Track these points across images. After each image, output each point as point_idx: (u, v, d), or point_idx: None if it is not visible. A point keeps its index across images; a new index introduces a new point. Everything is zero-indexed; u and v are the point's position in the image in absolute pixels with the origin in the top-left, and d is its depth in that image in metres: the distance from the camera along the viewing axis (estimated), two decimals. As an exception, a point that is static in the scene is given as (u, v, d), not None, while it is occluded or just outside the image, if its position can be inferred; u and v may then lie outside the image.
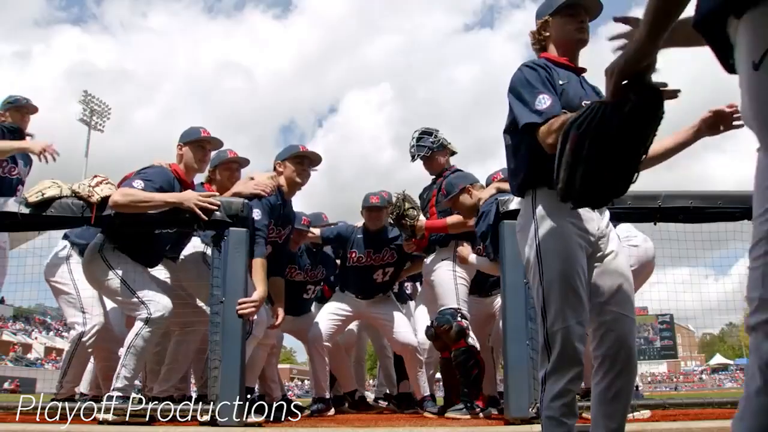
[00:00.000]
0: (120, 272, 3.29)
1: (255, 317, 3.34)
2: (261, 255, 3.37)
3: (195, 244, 3.84)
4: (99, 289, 3.53)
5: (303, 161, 3.70)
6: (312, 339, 4.31)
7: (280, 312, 3.71)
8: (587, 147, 1.19)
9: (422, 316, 4.69)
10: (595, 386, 1.93)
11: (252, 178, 3.69)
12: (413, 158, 4.27)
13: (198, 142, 3.50)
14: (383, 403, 5.09)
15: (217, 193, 3.46)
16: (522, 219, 2.03)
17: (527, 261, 1.98)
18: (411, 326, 4.43)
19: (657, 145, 1.97)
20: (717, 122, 2.11)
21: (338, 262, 4.79)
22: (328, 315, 4.37)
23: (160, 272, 3.82)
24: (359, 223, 4.67)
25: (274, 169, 3.80)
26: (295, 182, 3.70)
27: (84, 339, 3.75)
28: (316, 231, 4.57)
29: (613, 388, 1.87)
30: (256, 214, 3.41)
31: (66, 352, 3.99)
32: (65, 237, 3.97)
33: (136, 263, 3.38)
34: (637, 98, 1.15)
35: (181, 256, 3.83)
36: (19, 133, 4.21)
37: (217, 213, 3.20)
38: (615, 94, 1.18)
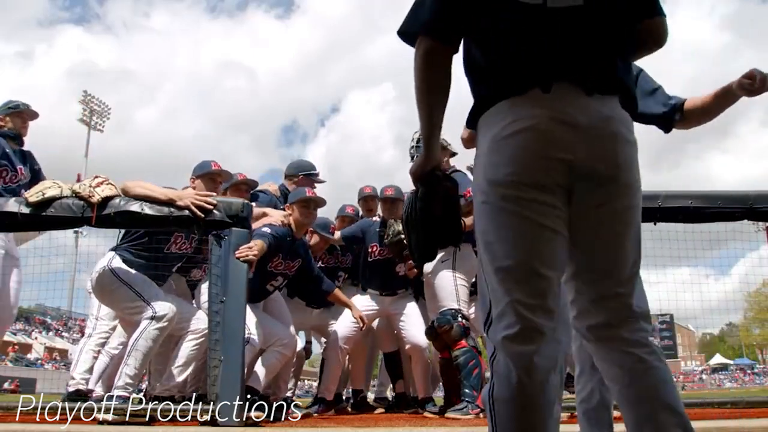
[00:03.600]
0: (124, 278, 3.39)
1: (273, 334, 3.65)
2: (261, 239, 3.54)
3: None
4: (105, 299, 3.64)
5: (309, 204, 4.09)
6: (332, 340, 4.31)
7: (358, 313, 4.21)
8: (412, 226, 1.58)
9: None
10: (578, 393, 1.94)
11: (265, 214, 4.02)
12: (413, 159, 4.27)
13: (209, 175, 3.73)
14: (380, 410, 5.05)
15: (214, 193, 3.49)
16: None
17: None
18: (422, 325, 4.41)
19: (693, 103, 2.05)
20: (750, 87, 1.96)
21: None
22: (350, 317, 4.36)
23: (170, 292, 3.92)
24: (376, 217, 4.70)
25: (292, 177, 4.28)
26: (303, 223, 4.10)
27: (90, 339, 3.99)
28: (337, 234, 4.65)
29: (594, 398, 1.87)
30: (266, 228, 3.78)
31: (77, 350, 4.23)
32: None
33: (144, 276, 3.47)
34: (425, 190, 1.55)
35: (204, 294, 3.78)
36: (19, 139, 4.21)
37: (217, 213, 3.21)
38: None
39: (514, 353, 1.22)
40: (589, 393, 1.88)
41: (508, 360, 1.23)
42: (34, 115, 4.33)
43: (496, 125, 1.32)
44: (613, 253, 1.31)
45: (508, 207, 1.27)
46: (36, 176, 4.26)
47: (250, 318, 3.48)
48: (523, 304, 1.24)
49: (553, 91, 1.28)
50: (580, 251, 1.32)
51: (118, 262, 3.45)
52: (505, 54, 1.34)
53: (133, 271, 3.45)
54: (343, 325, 4.32)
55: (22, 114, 4.23)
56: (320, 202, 4.16)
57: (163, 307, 3.28)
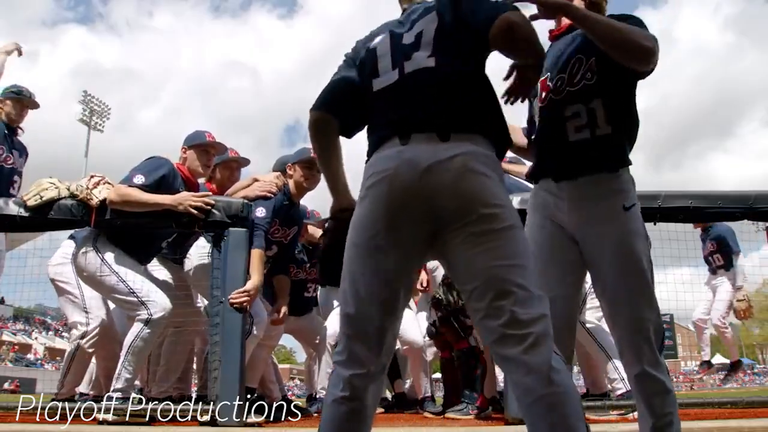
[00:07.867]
0: (115, 267, 3.21)
1: (256, 314, 3.36)
2: (259, 246, 3.36)
3: (201, 243, 3.70)
4: (92, 284, 3.38)
5: (312, 166, 3.71)
6: (322, 337, 4.26)
7: (283, 309, 3.74)
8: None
9: (422, 319, 4.67)
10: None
11: (256, 179, 3.70)
12: None
13: (202, 147, 3.47)
14: (378, 410, 5.04)
15: (211, 193, 3.45)
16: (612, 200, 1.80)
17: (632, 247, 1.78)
18: (418, 325, 4.40)
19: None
20: None
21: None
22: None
23: (160, 272, 3.77)
24: None
25: (284, 171, 3.83)
26: (303, 186, 3.77)
27: (85, 339, 3.64)
28: (318, 231, 4.53)
29: None
30: (260, 212, 3.45)
31: (68, 352, 3.90)
32: (71, 237, 3.92)
33: (131, 259, 3.32)
34: (332, 224, 1.71)
35: (191, 264, 3.67)
36: (11, 132, 4.16)
37: (217, 213, 3.19)
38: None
39: (341, 375, 1.43)
40: None
41: (338, 378, 1.44)
42: (34, 106, 4.26)
43: (362, 184, 1.48)
44: (482, 273, 1.35)
45: (358, 260, 1.43)
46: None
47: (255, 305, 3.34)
48: (355, 350, 1.43)
49: (411, 141, 1.41)
50: (459, 278, 1.42)
51: (104, 242, 3.26)
52: (375, 119, 1.56)
53: (119, 251, 3.27)
54: (335, 321, 4.29)
55: (22, 101, 4.17)
56: None
57: (158, 308, 3.16)
